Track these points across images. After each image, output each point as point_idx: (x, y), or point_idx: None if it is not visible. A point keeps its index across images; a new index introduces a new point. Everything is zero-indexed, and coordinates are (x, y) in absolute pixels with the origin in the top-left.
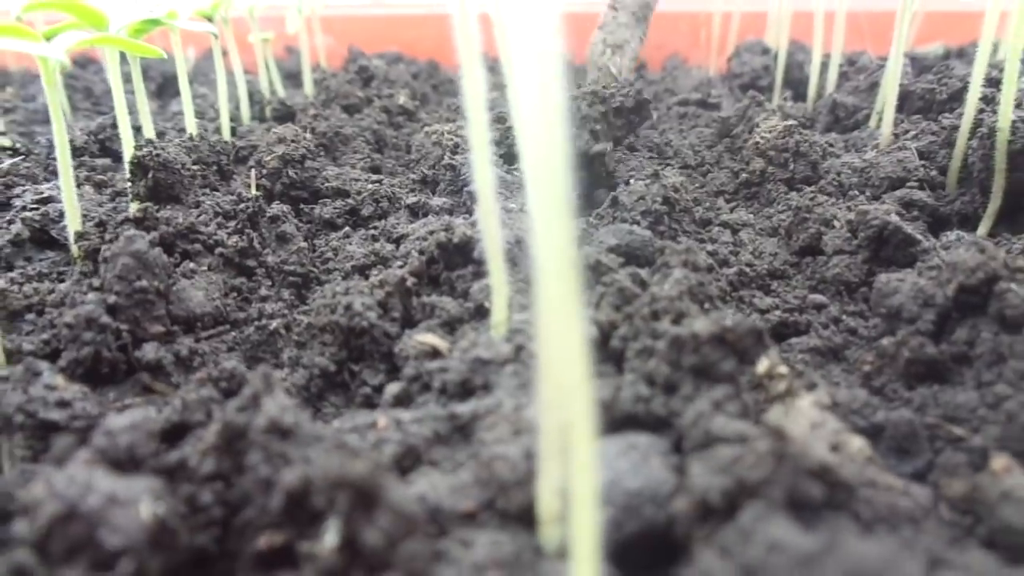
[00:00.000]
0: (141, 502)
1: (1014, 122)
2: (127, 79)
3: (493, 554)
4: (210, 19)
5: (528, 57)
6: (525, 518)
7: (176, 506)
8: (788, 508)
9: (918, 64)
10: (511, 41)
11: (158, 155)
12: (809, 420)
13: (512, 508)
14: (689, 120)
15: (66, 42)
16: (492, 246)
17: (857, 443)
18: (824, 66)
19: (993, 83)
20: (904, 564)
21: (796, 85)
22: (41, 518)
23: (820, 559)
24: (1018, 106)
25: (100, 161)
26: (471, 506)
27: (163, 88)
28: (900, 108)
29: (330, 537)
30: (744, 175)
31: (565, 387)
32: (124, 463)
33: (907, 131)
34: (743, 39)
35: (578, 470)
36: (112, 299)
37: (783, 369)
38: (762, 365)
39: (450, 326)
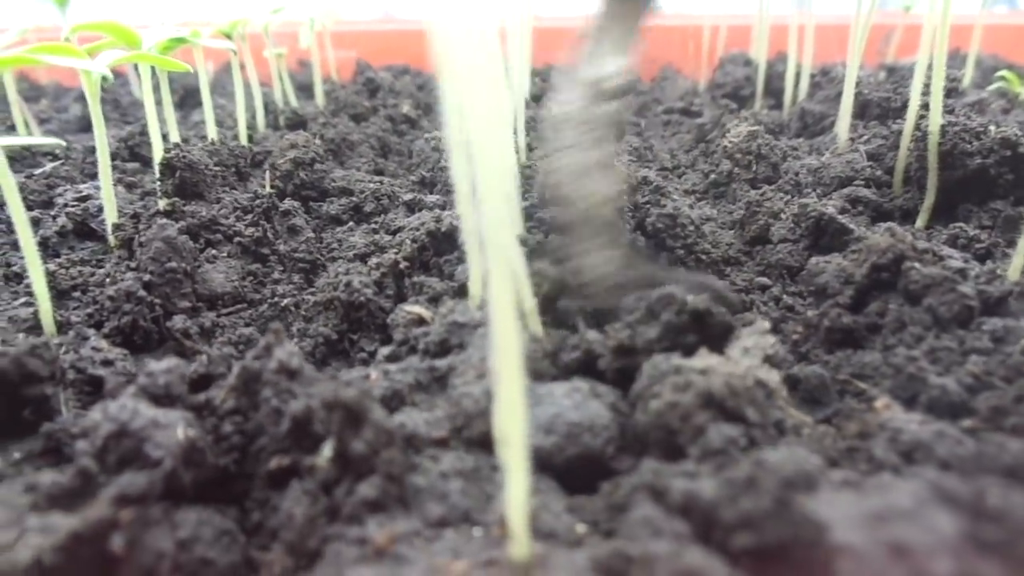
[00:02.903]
0: (177, 426)
1: (943, 126)
2: (154, 90)
3: (456, 466)
4: (229, 36)
5: (470, 68)
6: (486, 443)
7: (203, 435)
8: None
9: (897, 75)
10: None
11: (184, 157)
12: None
13: (475, 435)
14: (672, 127)
15: (108, 59)
16: (469, 232)
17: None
18: (799, 76)
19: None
20: None
21: (777, 94)
22: (99, 435)
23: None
24: (950, 112)
25: (130, 165)
26: (443, 434)
27: (184, 100)
28: (861, 115)
29: (327, 451)
30: (713, 176)
31: (500, 340)
32: (162, 398)
33: (862, 136)
34: (730, 51)
35: (509, 405)
36: (147, 277)
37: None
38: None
39: (435, 300)
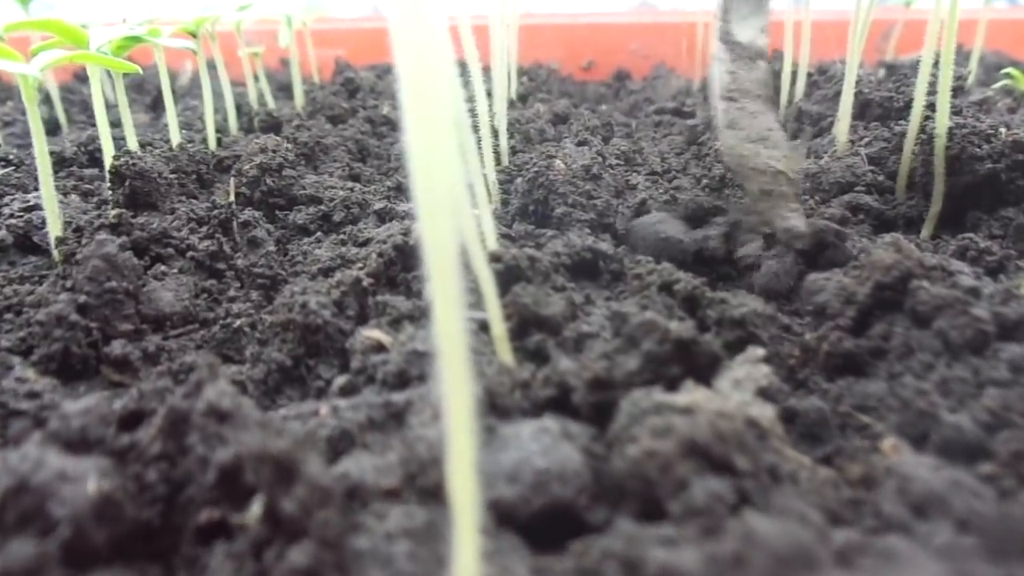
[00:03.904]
0: (88, 478)
1: (950, 128)
2: (111, 91)
3: (404, 524)
4: (194, 35)
5: (416, 65)
6: (441, 494)
7: (124, 484)
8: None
9: (898, 73)
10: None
11: (135, 164)
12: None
13: (430, 484)
14: (663, 128)
15: (44, 60)
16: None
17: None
18: (795, 75)
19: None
20: None
21: (773, 94)
22: None
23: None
24: (957, 113)
25: (88, 171)
26: (393, 483)
27: (158, 101)
28: (861, 116)
29: (255, 508)
30: (705, 181)
31: (450, 375)
32: (76, 444)
33: (862, 138)
34: None
35: (459, 451)
36: (82, 299)
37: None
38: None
39: (398, 323)
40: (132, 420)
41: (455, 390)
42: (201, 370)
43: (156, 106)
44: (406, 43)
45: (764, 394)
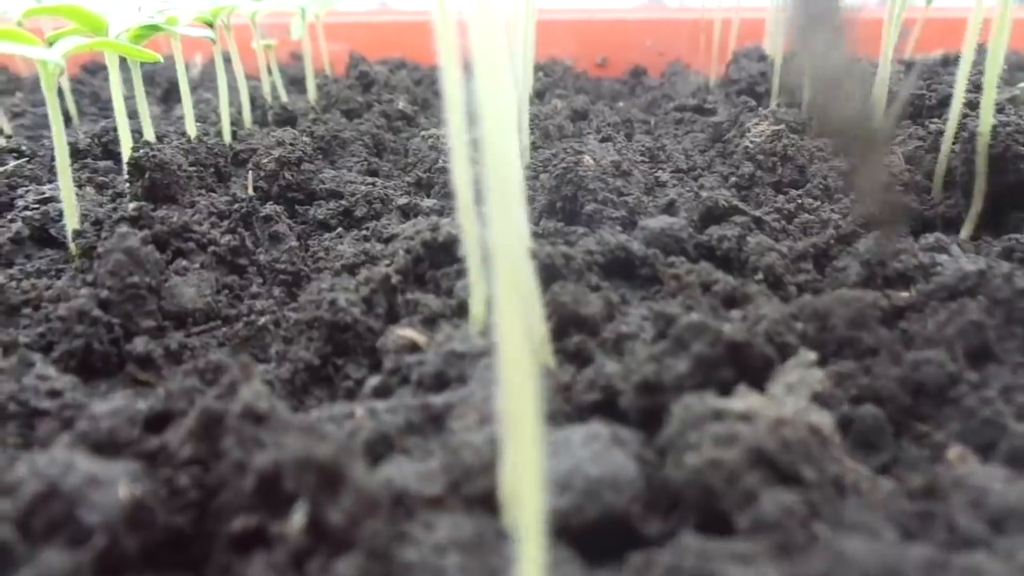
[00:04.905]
0: (120, 483)
1: (994, 126)
2: (128, 82)
3: (454, 535)
4: (211, 25)
5: (486, 62)
6: (489, 502)
7: (155, 488)
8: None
9: (926, 71)
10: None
11: (155, 156)
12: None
13: (477, 493)
14: (685, 125)
15: (65, 46)
16: (471, 243)
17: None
18: None
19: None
20: None
21: (794, 91)
22: (23, 496)
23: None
24: (1000, 111)
25: (102, 163)
26: (438, 491)
27: (169, 93)
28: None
29: (298, 517)
30: (734, 179)
31: (512, 378)
32: (106, 446)
33: (896, 136)
34: (743, 45)
35: (522, 459)
36: (104, 294)
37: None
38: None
39: (431, 322)
40: (160, 421)
41: (518, 397)
42: (234, 370)
43: (167, 99)
44: (479, 37)
45: (819, 400)
